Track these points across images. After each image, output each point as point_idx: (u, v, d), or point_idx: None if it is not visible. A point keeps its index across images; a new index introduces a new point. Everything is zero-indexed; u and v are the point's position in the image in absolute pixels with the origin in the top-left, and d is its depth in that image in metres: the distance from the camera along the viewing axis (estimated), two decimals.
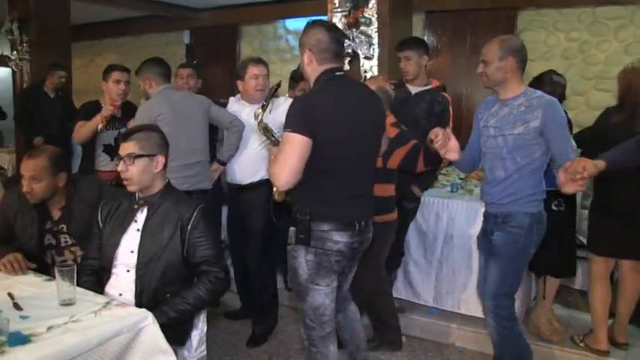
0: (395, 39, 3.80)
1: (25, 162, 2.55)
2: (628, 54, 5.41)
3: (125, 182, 2.33)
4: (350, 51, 3.95)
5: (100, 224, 2.43)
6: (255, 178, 3.52)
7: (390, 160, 3.18)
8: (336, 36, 2.45)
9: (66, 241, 2.69)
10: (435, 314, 3.84)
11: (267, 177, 3.17)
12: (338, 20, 4.02)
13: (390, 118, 3.19)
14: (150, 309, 2.00)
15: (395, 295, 3.93)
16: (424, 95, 3.59)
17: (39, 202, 2.61)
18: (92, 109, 3.90)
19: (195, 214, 2.34)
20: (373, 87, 2.97)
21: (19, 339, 1.70)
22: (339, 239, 2.40)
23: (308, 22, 2.52)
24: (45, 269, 2.60)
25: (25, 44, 5.41)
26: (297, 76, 3.95)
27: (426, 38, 6.08)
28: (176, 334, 2.32)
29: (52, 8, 5.44)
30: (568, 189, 2.33)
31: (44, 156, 2.57)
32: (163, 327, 2.04)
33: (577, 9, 5.67)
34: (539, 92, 2.75)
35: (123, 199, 2.46)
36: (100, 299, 2.08)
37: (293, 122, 2.28)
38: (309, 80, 2.52)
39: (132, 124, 3.59)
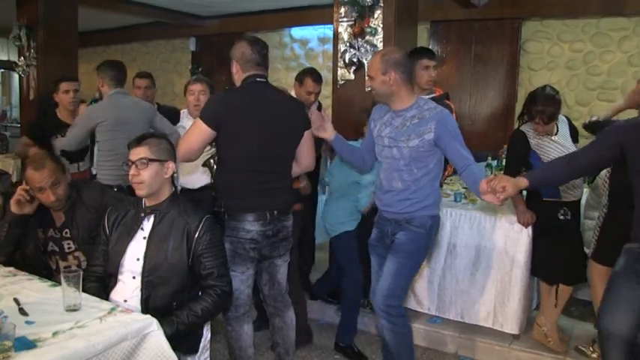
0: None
1: (37, 174, 2.52)
2: (631, 65, 5.44)
3: (135, 186, 2.34)
4: (355, 60, 3.97)
5: (107, 231, 2.44)
6: (196, 185, 3.72)
7: None
8: (258, 48, 2.75)
9: (69, 247, 2.71)
10: (438, 323, 3.84)
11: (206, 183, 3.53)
12: (344, 30, 4.03)
13: None
14: (155, 316, 2.01)
15: None
16: None
17: (64, 204, 2.64)
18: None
19: (202, 223, 2.35)
20: None
21: (25, 344, 1.71)
22: (250, 228, 2.70)
23: (238, 37, 2.89)
24: (49, 274, 2.63)
25: (32, 50, 5.43)
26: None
27: (430, 47, 6.10)
28: (189, 343, 2.36)
29: (60, 15, 5.45)
30: (488, 199, 2.46)
31: (47, 160, 2.60)
32: (175, 337, 2.09)
33: (581, 20, 5.70)
34: (431, 103, 2.80)
35: (130, 207, 2.46)
36: (105, 305, 2.09)
37: (203, 112, 2.69)
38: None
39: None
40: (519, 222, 3.44)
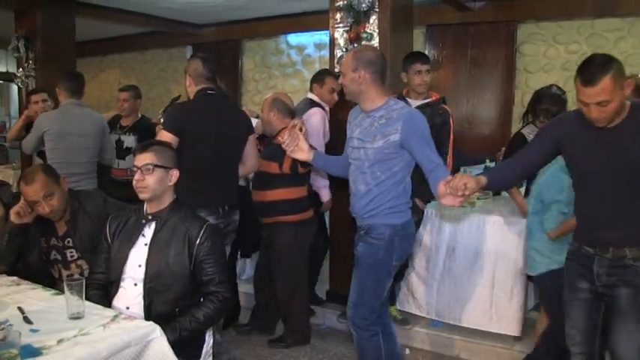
0: (396, 53, 3.84)
1: (29, 188, 2.56)
2: (627, 65, 5.39)
3: (139, 190, 2.37)
4: None
5: (109, 239, 2.46)
6: None
7: (284, 165, 3.48)
8: (209, 65, 3.19)
9: (72, 255, 2.73)
10: (440, 326, 3.85)
11: None
12: (340, 35, 4.04)
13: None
14: (157, 323, 2.02)
15: (398, 307, 3.96)
16: (424, 108, 3.61)
17: (62, 215, 2.67)
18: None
19: (203, 230, 2.36)
20: (272, 97, 3.68)
21: (31, 352, 1.73)
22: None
23: (191, 55, 3.22)
24: (51, 283, 2.64)
25: (31, 61, 5.45)
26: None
27: (427, 51, 6.13)
28: (191, 349, 2.37)
29: (58, 25, 5.48)
30: (446, 202, 2.30)
31: (38, 172, 2.63)
32: (177, 343, 2.10)
33: (576, 22, 5.71)
34: (400, 103, 2.72)
35: (131, 214, 2.48)
36: (109, 312, 2.11)
37: (166, 123, 3.10)
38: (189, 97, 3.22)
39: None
40: (521, 213, 3.42)
